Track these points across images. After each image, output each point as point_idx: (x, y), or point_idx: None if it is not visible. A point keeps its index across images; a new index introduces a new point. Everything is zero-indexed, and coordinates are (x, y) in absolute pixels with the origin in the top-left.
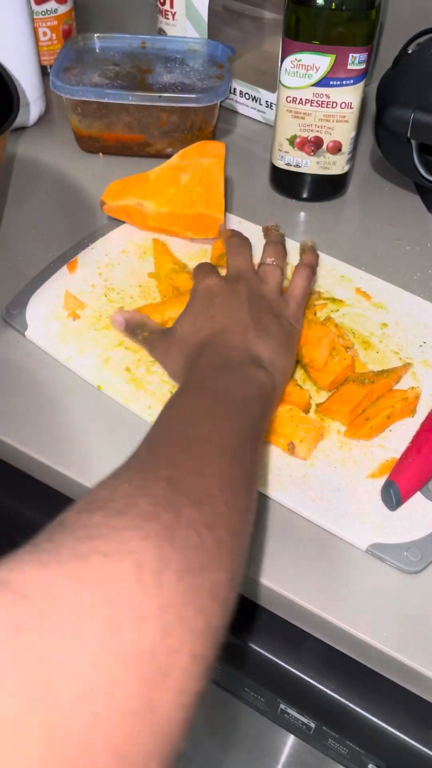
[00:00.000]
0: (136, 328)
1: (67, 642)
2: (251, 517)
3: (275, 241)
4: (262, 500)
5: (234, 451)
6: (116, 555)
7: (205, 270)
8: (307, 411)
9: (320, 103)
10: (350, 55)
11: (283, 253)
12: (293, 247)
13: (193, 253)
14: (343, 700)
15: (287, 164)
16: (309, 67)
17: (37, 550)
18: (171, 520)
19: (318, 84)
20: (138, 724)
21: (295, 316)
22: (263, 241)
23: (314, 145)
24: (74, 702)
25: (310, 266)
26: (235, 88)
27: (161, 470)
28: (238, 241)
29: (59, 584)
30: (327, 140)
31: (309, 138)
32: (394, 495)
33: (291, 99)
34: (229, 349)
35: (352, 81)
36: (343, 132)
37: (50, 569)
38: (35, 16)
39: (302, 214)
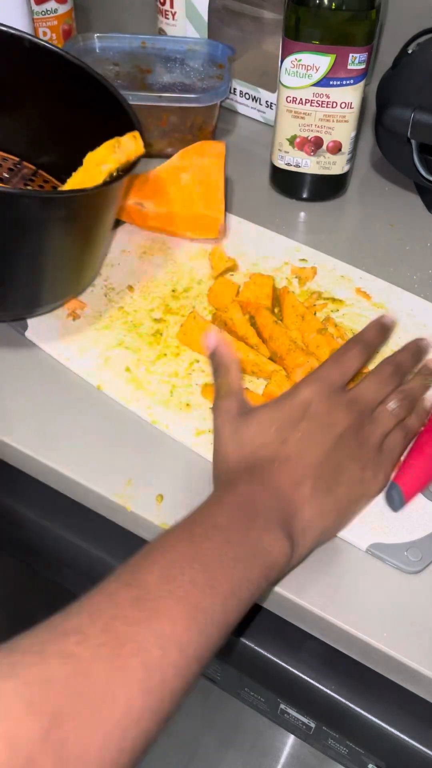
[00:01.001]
0: (220, 370)
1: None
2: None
3: (420, 383)
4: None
5: (199, 614)
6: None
7: (326, 368)
8: None
9: (320, 103)
10: (350, 55)
11: (415, 400)
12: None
13: (193, 252)
14: (343, 700)
15: (287, 164)
16: (309, 67)
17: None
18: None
19: (318, 84)
20: None
21: (384, 472)
22: (264, 243)
23: (314, 145)
24: None
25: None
26: (235, 88)
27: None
28: (394, 369)
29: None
30: (327, 140)
31: (309, 138)
32: (397, 497)
33: (291, 99)
34: (270, 492)
35: (352, 81)
36: (343, 132)
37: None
38: (35, 16)
39: (302, 214)
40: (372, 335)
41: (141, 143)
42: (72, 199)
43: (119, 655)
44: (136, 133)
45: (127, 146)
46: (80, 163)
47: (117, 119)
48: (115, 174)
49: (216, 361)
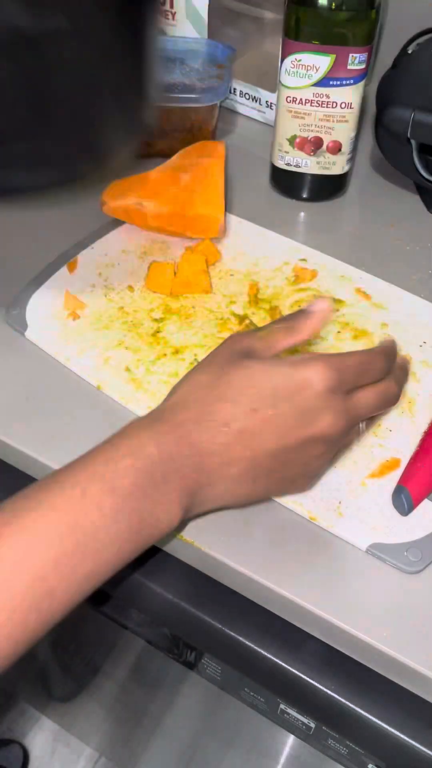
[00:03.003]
0: (290, 323)
1: None
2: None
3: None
4: (262, 501)
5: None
6: None
7: (347, 364)
8: None
9: (320, 103)
10: (350, 55)
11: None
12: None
13: None
14: (343, 700)
15: (287, 164)
16: (309, 67)
17: None
18: None
19: (318, 84)
20: None
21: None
22: (264, 243)
23: (314, 145)
24: None
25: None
26: (235, 88)
27: None
28: (398, 391)
29: None
30: (327, 140)
31: (309, 138)
32: (405, 500)
33: (291, 99)
34: (194, 458)
35: (352, 81)
36: (343, 132)
37: None
38: None
39: (302, 214)
40: (396, 358)
41: None
42: None
43: None
44: None
45: None
46: None
47: None
48: None
49: (297, 319)
